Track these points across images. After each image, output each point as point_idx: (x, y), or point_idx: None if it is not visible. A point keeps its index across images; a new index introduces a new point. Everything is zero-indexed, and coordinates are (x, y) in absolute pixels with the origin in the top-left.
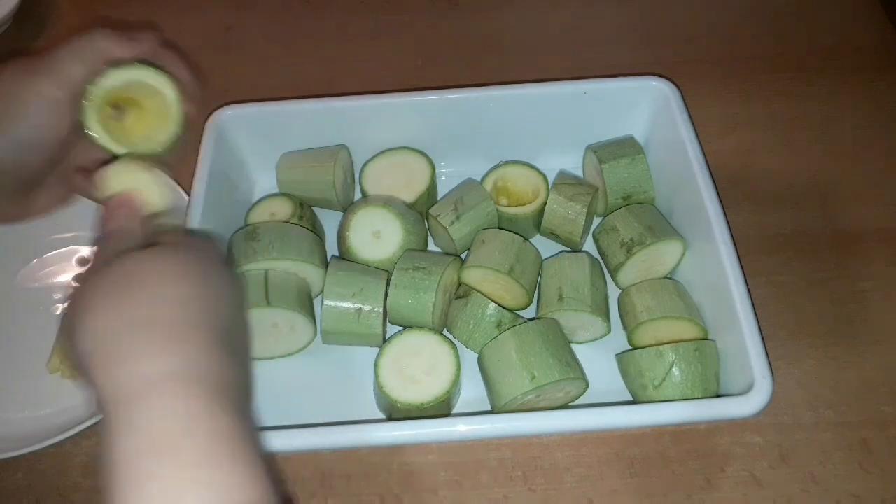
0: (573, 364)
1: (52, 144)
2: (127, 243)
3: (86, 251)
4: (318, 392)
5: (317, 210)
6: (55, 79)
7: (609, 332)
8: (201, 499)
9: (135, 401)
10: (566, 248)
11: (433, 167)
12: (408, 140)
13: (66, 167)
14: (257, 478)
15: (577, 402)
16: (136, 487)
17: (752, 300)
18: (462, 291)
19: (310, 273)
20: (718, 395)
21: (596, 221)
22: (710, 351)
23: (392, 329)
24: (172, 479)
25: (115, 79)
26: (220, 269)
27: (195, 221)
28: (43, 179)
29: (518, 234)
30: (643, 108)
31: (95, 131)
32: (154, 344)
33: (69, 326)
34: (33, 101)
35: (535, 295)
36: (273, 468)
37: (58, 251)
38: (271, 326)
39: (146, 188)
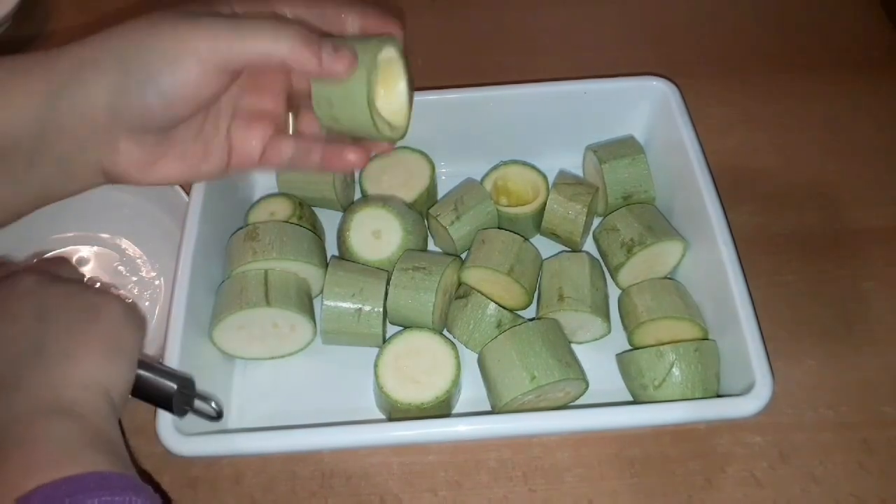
0: (573, 364)
1: (192, 105)
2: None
3: (86, 251)
4: (318, 392)
5: (317, 210)
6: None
7: (609, 332)
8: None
9: None
10: (566, 248)
11: (433, 167)
12: (408, 140)
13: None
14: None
15: (578, 402)
16: None
17: (752, 300)
18: (462, 291)
19: (310, 273)
20: (719, 396)
21: (596, 221)
22: (710, 351)
23: (392, 329)
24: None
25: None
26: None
27: (195, 221)
28: (175, 140)
29: (518, 234)
30: (643, 107)
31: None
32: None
33: None
34: (186, 58)
35: (535, 295)
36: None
37: (58, 251)
38: (271, 326)
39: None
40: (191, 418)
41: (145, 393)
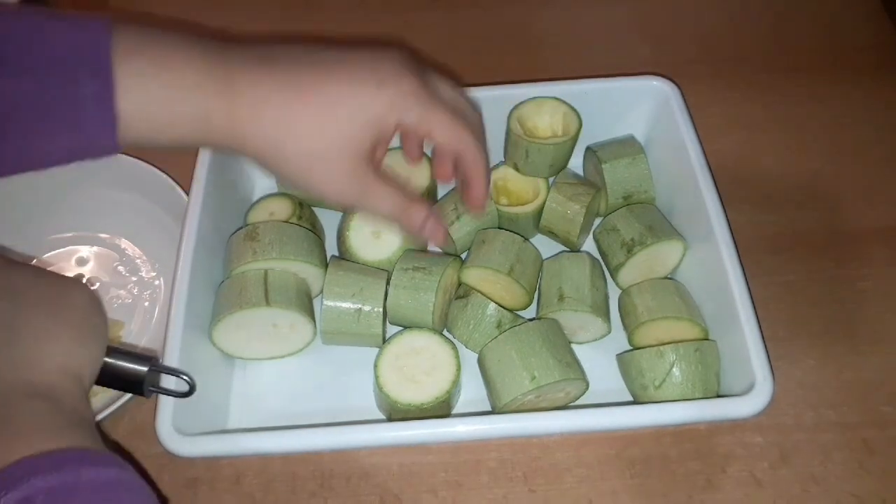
0: (573, 364)
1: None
2: None
3: (85, 251)
4: (318, 392)
5: (316, 210)
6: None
7: (609, 332)
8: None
9: None
10: (566, 248)
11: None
12: None
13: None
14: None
15: (577, 402)
16: None
17: (752, 300)
18: (462, 291)
19: (309, 273)
20: (719, 396)
21: (596, 222)
22: (710, 351)
23: (392, 329)
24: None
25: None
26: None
27: (195, 221)
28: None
29: (518, 233)
30: (644, 107)
31: None
32: None
33: None
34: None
35: (535, 295)
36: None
37: (58, 251)
38: (271, 326)
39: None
40: (188, 412)
41: (112, 379)
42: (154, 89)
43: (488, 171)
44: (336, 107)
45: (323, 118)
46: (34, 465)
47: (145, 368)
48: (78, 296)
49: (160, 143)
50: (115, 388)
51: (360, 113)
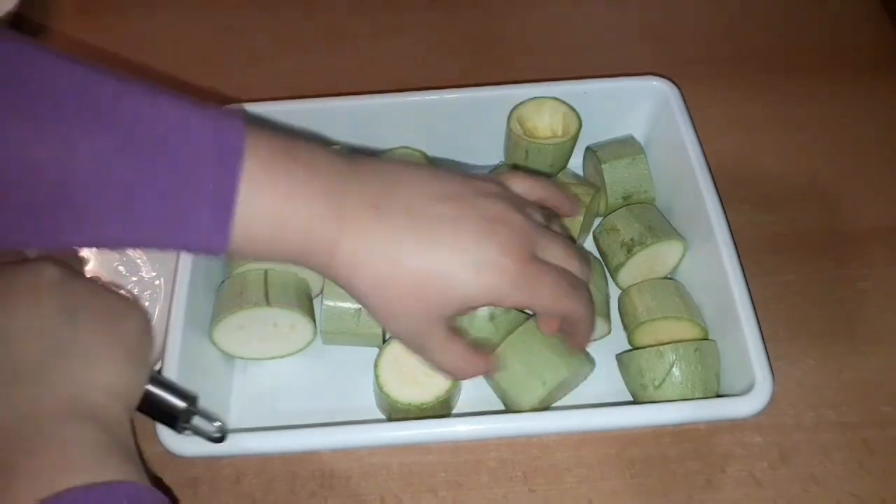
0: (575, 352)
1: None
2: None
3: (86, 251)
4: (318, 392)
5: None
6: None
7: (609, 332)
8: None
9: None
10: None
11: None
12: (408, 140)
13: None
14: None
15: (578, 402)
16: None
17: (752, 300)
18: None
19: (310, 273)
20: (719, 396)
21: (596, 222)
22: (710, 351)
23: None
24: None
25: None
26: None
27: None
28: None
29: None
30: (643, 107)
31: None
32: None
33: None
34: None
35: None
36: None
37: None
38: (271, 326)
39: None
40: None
41: (150, 408)
42: (269, 213)
43: (592, 324)
44: (428, 283)
45: (413, 291)
46: (81, 499)
47: (183, 405)
48: (133, 318)
49: (249, 256)
50: (148, 415)
51: (451, 293)
